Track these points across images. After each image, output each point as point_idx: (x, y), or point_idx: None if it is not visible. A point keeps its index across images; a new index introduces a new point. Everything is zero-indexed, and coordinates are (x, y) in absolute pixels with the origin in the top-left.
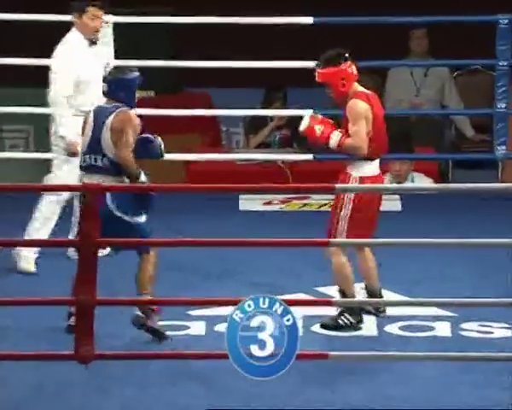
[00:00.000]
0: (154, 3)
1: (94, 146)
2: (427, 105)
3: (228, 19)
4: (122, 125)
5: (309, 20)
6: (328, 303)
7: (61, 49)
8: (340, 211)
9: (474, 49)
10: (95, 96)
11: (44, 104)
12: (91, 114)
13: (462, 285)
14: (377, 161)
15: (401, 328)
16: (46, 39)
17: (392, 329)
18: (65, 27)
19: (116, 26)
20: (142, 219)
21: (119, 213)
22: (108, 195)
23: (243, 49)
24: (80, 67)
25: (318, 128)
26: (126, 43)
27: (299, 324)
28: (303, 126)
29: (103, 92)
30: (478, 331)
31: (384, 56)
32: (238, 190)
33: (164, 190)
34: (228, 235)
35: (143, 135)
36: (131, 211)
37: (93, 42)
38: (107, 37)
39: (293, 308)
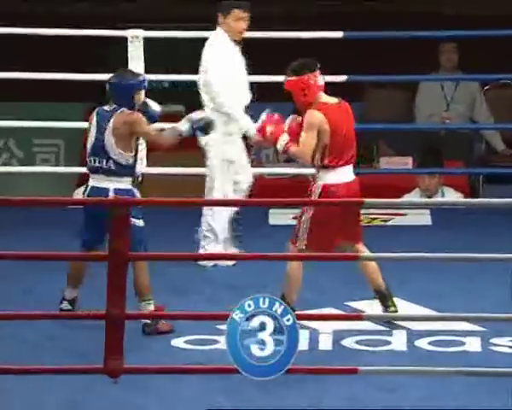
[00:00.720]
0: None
1: (98, 149)
2: (457, 119)
3: (258, 33)
4: (130, 130)
5: (339, 34)
6: (359, 318)
7: (209, 50)
8: (301, 217)
9: (504, 63)
10: (241, 96)
11: (75, 119)
12: (95, 116)
13: (492, 300)
14: (343, 168)
15: (431, 343)
16: (77, 55)
17: (422, 344)
18: (95, 43)
19: (150, 41)
20: (141, 223)
21: None
22: (111, 194)
23: (271, 63)
24: (228, 66)
25: (269, 128)
26: (158, 57)
27: (330, 338)
28: (257, 124)
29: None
30: (509, 347)
31: (414, 71)
32: (268, 205)
33: (192, 204)
34: (258, 249)
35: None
36: (132, 213)
37: (238, 42)
38: (137, 51)
39: (323, 323)
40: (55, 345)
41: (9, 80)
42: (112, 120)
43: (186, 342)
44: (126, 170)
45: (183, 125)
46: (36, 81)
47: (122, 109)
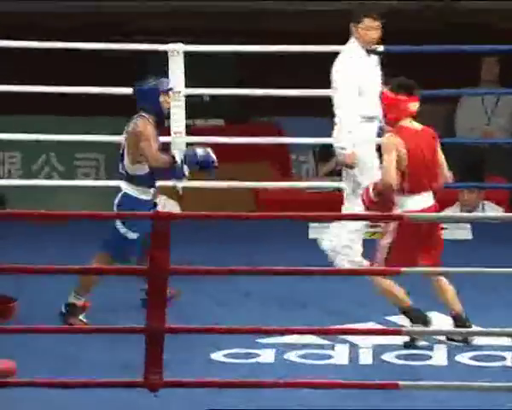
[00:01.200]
0: (221, 34)
1: (122, 153)
2: (498, 133)
3: (290, 47)
4: (134, 141)
5: (380, 48)
6: (398, 332)
7: (340, 59)
8: (379, 242)
9: None
10: (374, 103)
11: (115, 132)
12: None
13: None
14: (421, 195)
15: (472, 358)
16: (117, 69)
17: (463, 358)
18: (136, 57)
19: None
20: (134, 236)
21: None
22: (118, 198)
23: (309, 77)
24: (360, 74)
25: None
26: (196, 72)
27: (370, 353)
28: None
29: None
30: None
31: (455, 85)
32: (308, 219)
33: (235, 217)
34: (298, 264)
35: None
36: (128, 224)
37: (370, 51)
38: (177, 64)
39: (363, 337)
40: (94, 358)
41: (51, 94)
42: (128, 127)
43: (226, 355)
44: (133, 179)
45: (180, 159)
46: (74, 95)
47: (139, 116)
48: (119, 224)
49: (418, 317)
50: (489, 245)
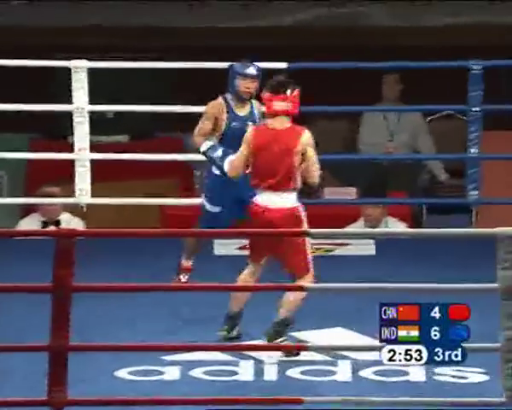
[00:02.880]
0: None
1: None
2: (400, 150)
3: (198, 64)
4: None
5: (283, 65)
6: (303, 348)
7: None
8: None
9: (447, 94)
10: None
11: (18, 149)
12: None
13: None
14: (267, 193)
15: (375, 373)
16: (23, 85)
17: (367, 374)
18: (40, 74)
19: (94, 71)
20: (216, 209)
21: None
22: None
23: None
24: None
25: None
26: (106, 88)
27: (275, 369)
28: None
29: None
30: (453, 376)
31: (357, 101)
32: (212, 235)
33: (139, 235)
34: (204, 280)
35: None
36: (208, 199)
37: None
38: (80, 81)
39: (264, 353)
40: None
41: None
42: None
43: (130, 373)
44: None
45: (215, 152)
46: None
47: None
48: (203, 199)
49: (235, 324)
50: (393, 261)
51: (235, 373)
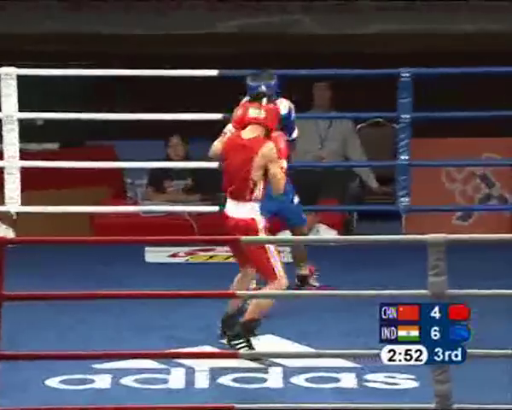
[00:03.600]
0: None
1: None
2: (330, 157)
3: (132, 72)
4: None
5: (213, 72)
6: (234, 356)
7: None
8: None
9: (377, 102)
10: None
11: None
12: None
13: (369, 336)
14: (228, 201)
15: (307, 379)
16: None
17: (298, 380)
18: None
19: (23, 78)
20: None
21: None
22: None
23: (147, 100)
24: None
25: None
26: (36, 95)
27: (206, 376)
28: None
29: None
30: (384, 382)
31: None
32: (143, 243)
33: (70, 242)
34: (135, 287)
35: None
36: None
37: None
38: (10, 88)
39: (199, 361)
40: None
41: None
42: None
43: (61, 382)
44: None
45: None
46: None
47: None
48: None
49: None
50: (322, 268)
51: (166, 381)
